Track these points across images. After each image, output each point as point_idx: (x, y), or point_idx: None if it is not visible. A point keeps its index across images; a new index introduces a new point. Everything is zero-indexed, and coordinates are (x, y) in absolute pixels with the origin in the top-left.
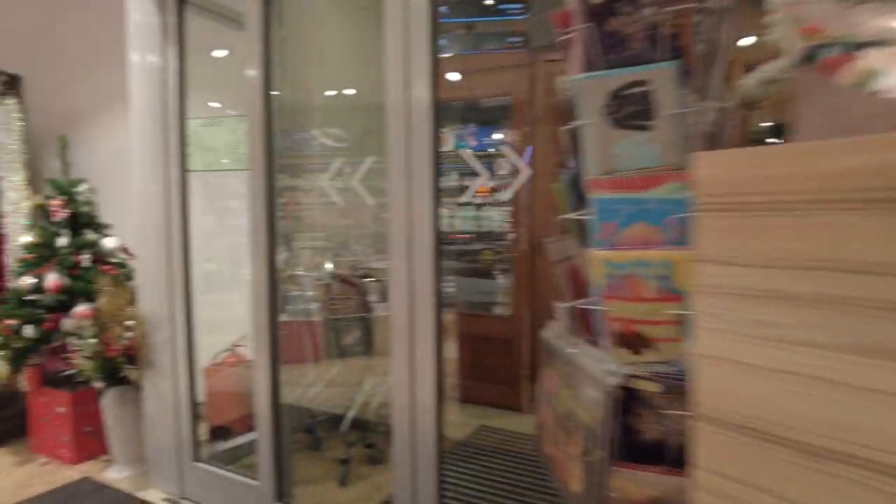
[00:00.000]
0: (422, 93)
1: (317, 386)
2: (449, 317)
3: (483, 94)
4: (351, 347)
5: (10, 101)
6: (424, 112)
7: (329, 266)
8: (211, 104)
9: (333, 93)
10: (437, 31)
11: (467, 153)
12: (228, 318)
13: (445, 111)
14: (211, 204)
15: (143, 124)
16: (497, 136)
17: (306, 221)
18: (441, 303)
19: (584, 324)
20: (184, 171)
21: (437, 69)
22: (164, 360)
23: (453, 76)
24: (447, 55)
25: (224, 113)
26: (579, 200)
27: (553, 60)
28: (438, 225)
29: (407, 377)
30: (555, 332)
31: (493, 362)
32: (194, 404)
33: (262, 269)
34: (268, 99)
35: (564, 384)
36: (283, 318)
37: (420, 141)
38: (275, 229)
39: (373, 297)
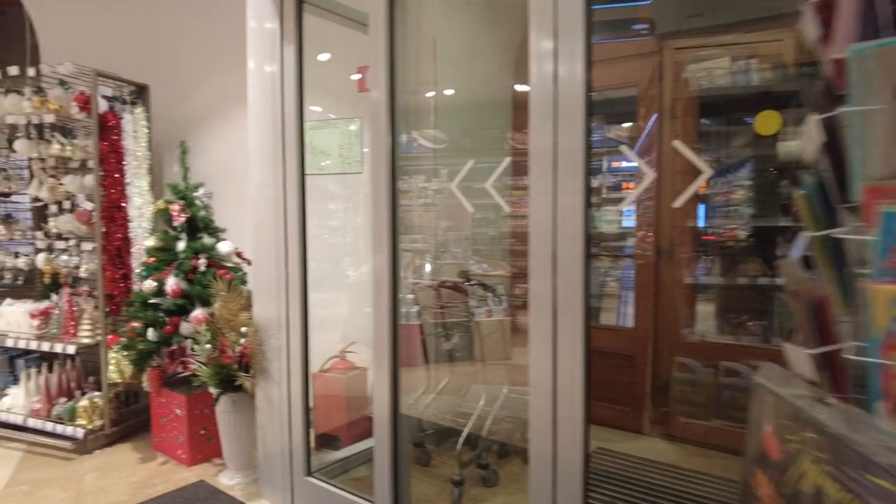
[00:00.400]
0: (574, 78)
1: (426, 395)
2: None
3: (601, 85)
4: (452, 353)
5: (139, 110)
6: (577, 100)
7: (428, 268)
8: (311, 108)
9: (432, 93)
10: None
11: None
12: (329, 319)
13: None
14: (309, 206)
15: (260, 128)
16: (618, 132)
17: (405, 224)
18: (590, 315)
19: (838, 377)
20: (302, 173)
21: (591, 52)
22: (277, 368)
23: None
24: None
25: (324, 117)
26: (829, 213)
27: (684, 48)
28: (590, 228)
29: (549, 397)
30: (778, 378)
31: (612, 379)
32: (307, 416)
33: (384, 272)
34: (393, 100)
35: (809, 456)
36: None
37: (570, 133)
38: (396, 232)
39: (474, 302)
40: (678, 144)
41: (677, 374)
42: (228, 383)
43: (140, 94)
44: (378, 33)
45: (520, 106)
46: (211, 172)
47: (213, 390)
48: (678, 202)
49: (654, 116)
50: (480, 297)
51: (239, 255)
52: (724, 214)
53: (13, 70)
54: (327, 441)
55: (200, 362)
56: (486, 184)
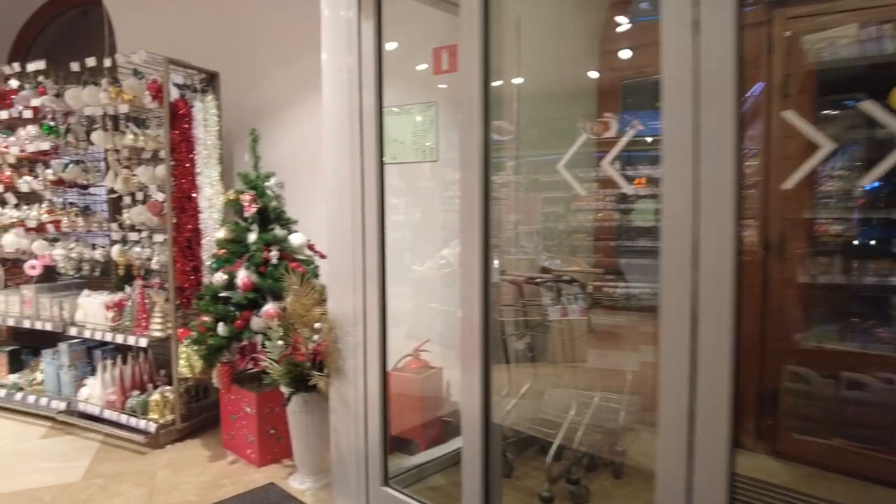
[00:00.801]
0: (721, 52)
1: (506, 399)
2: (646, 324)
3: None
4: (524, 354)
5: (209, 98)
6: (726, 76)
7: (496, 263)
8: None
9: (499, 82)
10: None
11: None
12: (395, 314)
13: (612, 94)
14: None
15: (336, 116)
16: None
17: None
18: (740, 320)
19: None
20: (381, 163)
21: (742, 16)
22: (353, 367)
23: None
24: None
25: (393, 102)
26: None
27: (799, 16)
28: (740, 225)
29: (684, 417)
30: None
31: None
32: (385, 420)
33: (475, 266)
34: (487, 86)
35: None
36: (460, 314)
37: (716, 115)
38: (489, 225)
39: (549, 300)
40: (790, 115)
41: (789, 385)
42: (301, 382)
43: (210, 81)
44: (471, 11)
45: (606, 92)
46: (282, 162)
47: (284, 389)
48: (789, 182)
49: (757, 88)
50: (560, 293)
51: (311, 247)
52: (844, 204)
53: (90, 61)
54: (399, 444)
55: (272, 359)
56: (558, 165)
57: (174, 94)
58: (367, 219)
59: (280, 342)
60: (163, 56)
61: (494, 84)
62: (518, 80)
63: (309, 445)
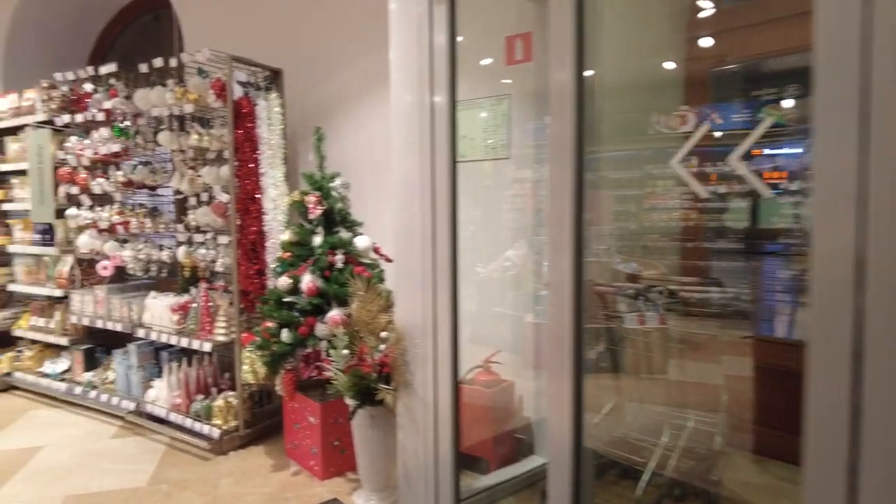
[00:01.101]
0: None
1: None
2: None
3: (753, 54)
4: (594, 363)
5: (273, 96)
6: None
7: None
8: None
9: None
10: None
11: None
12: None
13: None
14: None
15: (405, 113)
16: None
17: (541, 216)
18: None
19: None
20: (454, 161)
21: None
22: (422, 381)
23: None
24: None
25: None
26: None
27: None
28: None
29: (841, 480)
30: None
31: (782, 403)
32: (457, 441)
33: (565, 270)
34: (580, 76)
35: None
36: (529, 318)
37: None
38: (582, 227)
39: (625, 306)
40: None
41: None
42: (367, 395)
43: (274, 79)
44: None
45: (695, 82)
46: (346, 162)
47: (349, 402)
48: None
49: None
50: (637, 299)
51: (376, 250)
52: None
53: (157, 62)
54: (468, 462)
55: (337, 369)
56: (672, 162)
57: (238, 92)
58: (439, 221)
59: (345, 351)
60: (226, 54)
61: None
62: (588, 72)
63: (375, 461)
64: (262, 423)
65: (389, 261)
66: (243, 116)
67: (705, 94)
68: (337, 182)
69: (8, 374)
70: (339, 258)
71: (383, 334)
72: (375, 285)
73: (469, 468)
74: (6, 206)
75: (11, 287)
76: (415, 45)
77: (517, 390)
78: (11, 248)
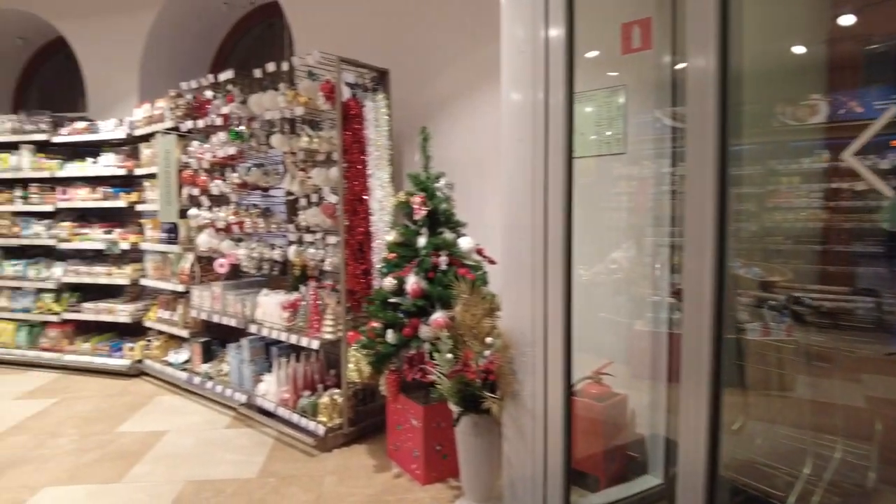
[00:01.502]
0: None
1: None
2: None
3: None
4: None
5: (380, 97)
6: None
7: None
8: None
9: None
10: None
11: None
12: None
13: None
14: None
15: (517, 108)
16: None
17: (654, 214)
18: None
19: None
20: (569, 157)
21: None
22: (530, 392)
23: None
24: None
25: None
26: None
27: None
28: None
29: None
30: None
31: None
32: (568, 457)
33: (704, 275)
34: (724, 62)
35: None
36: (639, 326)
37: None
38: (724, 227)
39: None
40: None
41: None
42: (471, 402)
43: (381, 79)
44: None
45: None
46: (450, 162)
47: (453, 408)
48: None
49: None
50: (765, 308)
51: (480, 252)
52: None
53: (270, 66)
54: (576, 477)
55: (441, 374)
56: (845, 154)
57: (346, 93)
58: (551, 222)
59: (449, 356)
60: (335, 55)
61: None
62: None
63: (478, 470)
64: (365, 422)
65: (493, 262)
66: (351, 118)
67: (853, 79)
68: (441, 182)
69: (139, 361)
70: (442, 259)
71: (488, 340)
72: (479, 288)
73: (577, 484)
74: (139, 207)
75: (143, 281)
76: (528, 38)
77: (629, 404)
78: (143, 246)
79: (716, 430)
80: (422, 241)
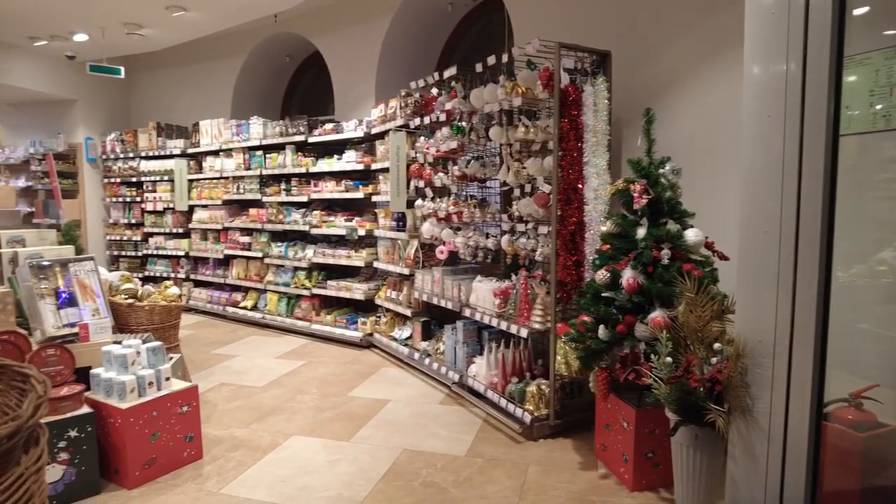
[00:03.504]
0: None
1: None
2: None
3: None
4: None
5: (600, 80)
6: None
7: None
8: None
9: None
10: None
11: None
12: None
13: None
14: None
15: (762, 78)
16: None
17: None
18: None
19: None
20: (833, 136)
21: None
22: (765, 411)
23: None
24: None
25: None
26: None
27: None
28: None
29: None
30: None
31: None
32: (813, 493)
33: None
34: None
35: None
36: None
37: None
38: None
39: None
40: None
41: None
42: (692, 412)
43: (602, 62)
44: None
45: None
46: (675, 145)
47: (670, 415)
48: None
49: None
50: None
51: (709, 246)
52: None
53: (490, 60)
54: None
55: (658, 377)
56: None
57: (564, 79)
58: (805, 212)
59: (668, 359)
60: (554, 42)
61: None
62: None
63: (695, 488)
64: (572, 416)
65: (725, 258)
66: (569, 105)
67: None
68: (666, 168)
69: (370, 335)
70: (664, 253)
71: (716, 346)
72: (708, 286)
73: None
74: (375, 198)
75: (376, 264)
76: None
77: None
78: (376, 233)
79: None
80: (641, 232)
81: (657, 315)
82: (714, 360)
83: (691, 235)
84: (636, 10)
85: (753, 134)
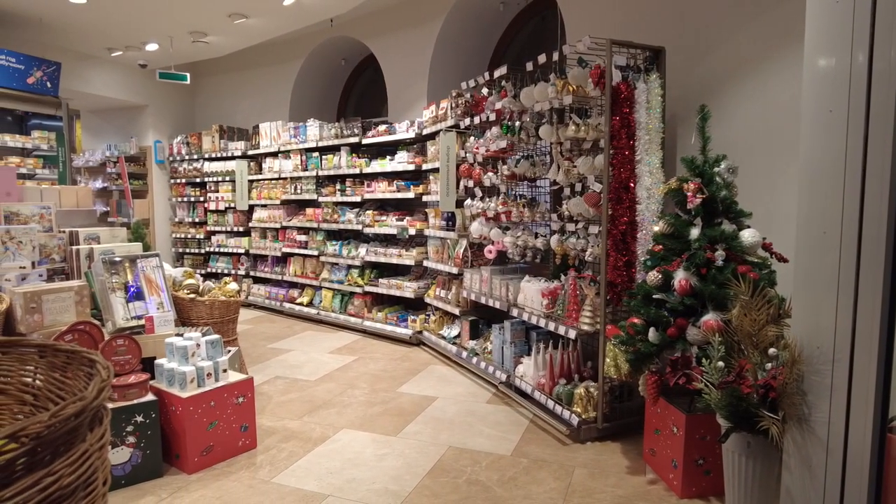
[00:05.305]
0: None
1: None
2: None
3: None
4: None
5: (653, 77)
6: None
7: None
8: None
9: None
10: None
11: None
12: None
13: None
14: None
15: (825, 73)
16: None
17: None
18: None
19: None
20: None
21: None
22: (823, 420)
23: None
24: None
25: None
26: None
27: None
28: None
29: None
30: None
31: None
32: None
33: None
34: None
35: None
36: None
37: None
38: None
39: None
40: None
41: None
42: (744, 419)
43: (655, 58)
44: None
45: None
46: (731, 143)
47: (721, 421)
48: None
49: None
50: None
51: (767, 247)
52: None
53: (541, 58)
54: None
55: (709, 382)
56: None
57: (616, 77)
58: (870, 212)
59: (721, 364)
60: (606, 39)
61: None
62: None
63: (747, 496)
64: (620, 420)
65: (784, 260)
66: (621, 102)
67: None
68: (722, 166)
69: (419, 332)
70: (719, 254)
71: (771, 351)
72: (764, 289)
73: None
74: (425, 198)
75: (426, 263)
76: None
77: None
78: (426, 232)
79: None
80: (695, 232)
81: (710, 318)
82: (769, 365)
83: (747, 236)
84: (691, 6)
85: (813, 129)
